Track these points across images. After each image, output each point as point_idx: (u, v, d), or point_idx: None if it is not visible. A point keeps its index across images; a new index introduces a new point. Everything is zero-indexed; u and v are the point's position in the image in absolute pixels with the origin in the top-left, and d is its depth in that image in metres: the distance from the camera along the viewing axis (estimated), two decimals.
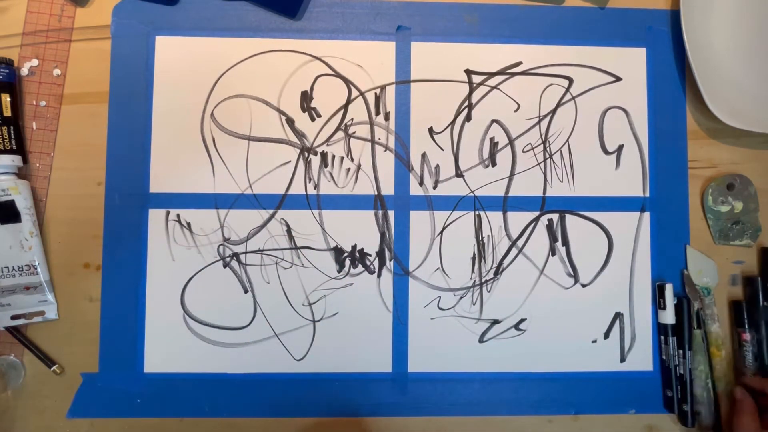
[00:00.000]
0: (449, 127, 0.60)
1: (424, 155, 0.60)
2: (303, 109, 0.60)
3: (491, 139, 0.61)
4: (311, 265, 0.59)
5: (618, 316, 0.60)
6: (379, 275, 0.59)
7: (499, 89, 0.61)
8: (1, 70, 0.55)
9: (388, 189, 0.60)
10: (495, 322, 0.60)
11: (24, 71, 0.58)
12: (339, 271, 0.59)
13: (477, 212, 0.60)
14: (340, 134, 0.60)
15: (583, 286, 0.60)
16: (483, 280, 0.60)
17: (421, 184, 0.60)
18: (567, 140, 0.61)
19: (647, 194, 0.61)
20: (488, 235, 0.60)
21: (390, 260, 0.59)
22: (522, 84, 0.61)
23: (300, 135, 0.59)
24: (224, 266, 0.58)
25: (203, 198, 0.59)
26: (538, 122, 0.61)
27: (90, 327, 0.57)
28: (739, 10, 0.62)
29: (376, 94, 0.60)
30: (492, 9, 0.61)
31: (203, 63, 0.59)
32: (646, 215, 0.61)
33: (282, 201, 0.59)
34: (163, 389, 0.57)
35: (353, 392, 0.58)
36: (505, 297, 0.60)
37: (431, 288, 0.59)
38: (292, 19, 0.60)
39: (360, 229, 0.59)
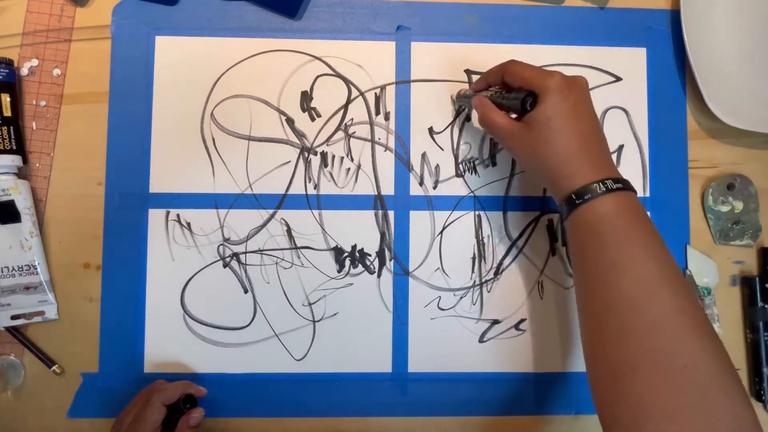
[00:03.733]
0: (449, 127, 0.60)
1: (424, 155, 0.60)
2: (303, 109, 0.60)
3: (491, 139, 0.61)
4: (311, 265, 0.59)
5: None
6: (379, 275, 0.59)
7: None
8: (1, 70, 0.55)
9: (388, 189, 0.60)
10: (495, 322, 0.60)
11: (24, 71, 0.58)
12: (339, 271, 0.59)
13: (477, 212, 0.60)
14: (340, 134, 0.60)
15: None
16: (483, 280, 0.60)
17: (421, 184, 0.60)
18: None
19: (647, 194, 0.61)
20: (488, 235, 0.60)
21: (390, 260, 0.59)
22: None
23: (300, 135, 0.59)
24: (224, 266, 0.58)
25: (203, 198, 0.59)
26: None
27: (90, 327, 0.57)
28: (739, 10, 0.62)
29: (376, 94, 0.60)
30: (492, 9, 0.61)
31: (203, 63, 0.59)
32: None
33: (282, 201, 0.59)
34: None
35: (353, 392, 0.58)
36: (505, 297, 0.60)
37: (431, 288, 0.59)
38: (292, 19, 0.60)
39: (360, 229, 0.59)
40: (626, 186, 0.44)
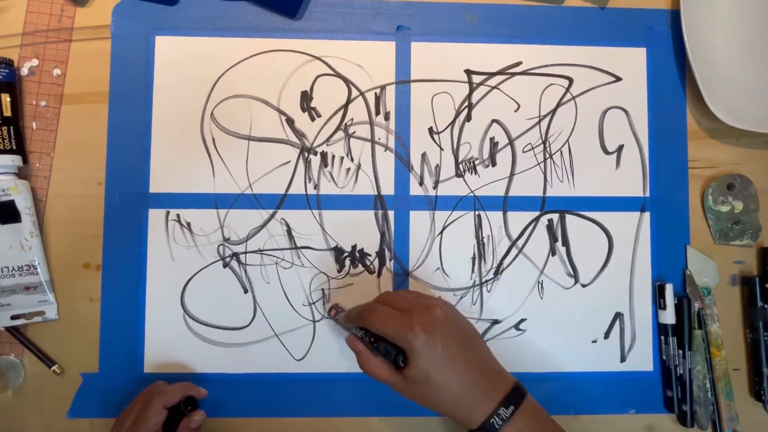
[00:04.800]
0: (449, 127, 0.60)
1: (424, 155, 0.60)
2: (303, 109, 0.60)
3: (491, 139, 0.61)
4: (311, 265, 0.59)
5: (618, 316, 0.60)
6: (379, 275, 0.59)
7: (499, 89, 0.61)
8: (1, 70, 0.55)
9: (388, 189, 0.60)
10: (495, 322, 0.60)
11: (24, 71, 0.58)
12: (339, 271, 0.59)
13: (477, 212, 0.60)
14: (340, 134, 0.60)
15: (583, 286, 0.60)
16: (483, 280, 0.60)
17: (421, 184, 0.60)
18: (567, 140, 0.61)
19: (647, 194, 0.61)
20: (488, 235, 0.60)
21: (390, 260, 0.59)
22: (522, 84, 0.61)
23: (300, 135, 0.59)
24: (224, 266, 0.58)
25: (203, 198, 0.59)
26: (538, 122, 0.61)
27: (90, 327, 0.57)
28: (739, 10, 0.62)
29: (376, 94, 0.60)
30: (492, 9, 0.61)
31: (203, 63, 0.59)
32: (646, 215, 0.61)
33: (282, 201, 0.59)
34: None
35: (353, 392, 0.58)
36: (505, 297, 0.60)
37: (431, 288, 0.59)
38: (292, 19, 0.60)
39: (360, 229, 0.59)
40: (519, 400, 0.45)
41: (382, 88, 0.60)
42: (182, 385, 0.54)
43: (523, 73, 0.61)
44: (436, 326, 0.45)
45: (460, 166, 0.60)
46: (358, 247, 0.59)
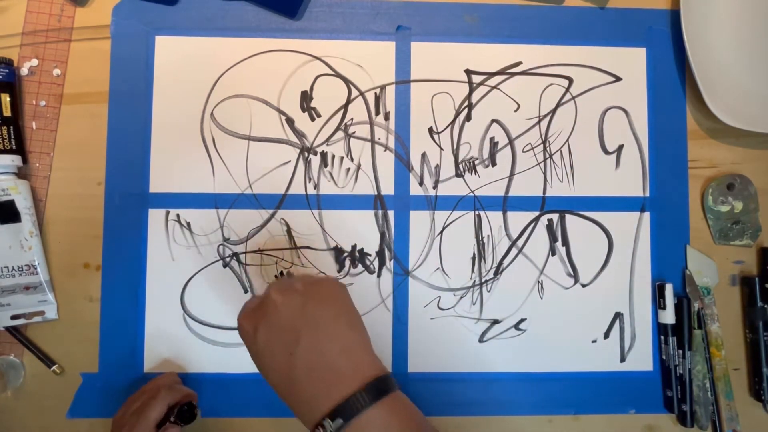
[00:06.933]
0: (449, 127, 0.60)
1: (424, 155, 0.60)
2: (303, 109, 0.60)
3: (491, 139, 0.61)
4: (311, 265, 0.59)
5: (618, 316, 0.60)
6: (379, 275, 0.59)
7: (499, 89, 0.61)
8: (1, 70, 0.55)
9: (388, 189, 0.60)
10: (495, 322, 0.60)
11: (24, 71, 0.58)
12: (339, 271, 0.59)
13: (477, 212, 0.60)
14: (340, 134, 0.60)
15: (583, 286, 0.60)
16: (483, 280, 0.60)
17: (421, 184, 0.60)
18: (567, 140, 0.61)
19: (647, 194, 0.61)
20: (488, 235, 0.60)
21: (390, 260, 0.59)
22: (522, 84, 0.61)
23: (300, 135, 0.59)
24: (224, 266, 0.58)
25: (203, 198, 0.59)
26: (538, 122, 0.61)
27: (90, 327, 0.57)
28: (740, 10, 0.62)
29: (376, 94, 0.60)
30: (492, 9, 0.61)
31: (203, 63, 0.59)
32: (646, 215, 0.61)
33: (282, 201, 0.59)
34: None
35: None
36: (505, 297, 0.60)
37: (431, 288, 0.59)
38: (292, 19, 0.60)
39: (360, 229, 0.59)
40: (350, 414, 0.38)
41: (382, 88, 0.60)
42: (190, 392, 0.54)
43: (523, 73, 0.61)
44: (259, 321, 0.41)
45: (460, 166, 0.60)
46: (358, 247, 0.59)
